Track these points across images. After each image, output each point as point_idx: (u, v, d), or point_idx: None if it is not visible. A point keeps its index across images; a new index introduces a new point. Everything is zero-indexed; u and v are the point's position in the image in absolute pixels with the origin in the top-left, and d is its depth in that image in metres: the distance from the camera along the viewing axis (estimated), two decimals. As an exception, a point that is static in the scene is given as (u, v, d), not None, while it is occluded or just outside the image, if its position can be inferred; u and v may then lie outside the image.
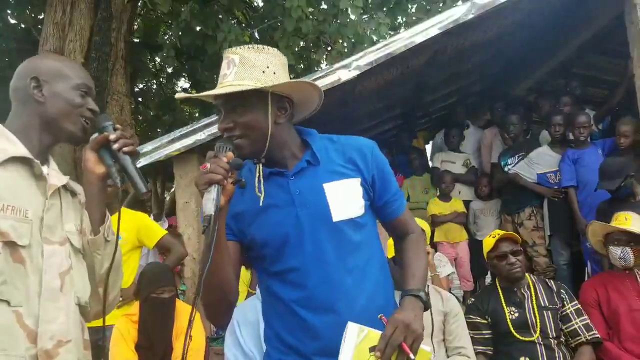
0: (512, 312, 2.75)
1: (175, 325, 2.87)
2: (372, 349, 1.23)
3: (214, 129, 3.74)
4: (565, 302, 2.78)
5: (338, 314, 1.33)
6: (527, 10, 4.14)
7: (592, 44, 5.02)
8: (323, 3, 7.89)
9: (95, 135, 1.40)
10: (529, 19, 4.44)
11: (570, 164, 4.18)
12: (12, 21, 8.41)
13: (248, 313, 2.29)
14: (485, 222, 5.01)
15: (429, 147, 6.77)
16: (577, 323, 2.73)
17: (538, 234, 4.45)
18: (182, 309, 2.98)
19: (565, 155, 4.24)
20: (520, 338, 2.68)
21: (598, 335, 2.72)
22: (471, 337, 2.68)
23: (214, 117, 3.77)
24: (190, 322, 1.22)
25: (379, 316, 1.35)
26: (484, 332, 2.77)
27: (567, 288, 2.91)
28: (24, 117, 1.37)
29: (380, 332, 1.26)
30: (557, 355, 2.65)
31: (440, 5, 7.89)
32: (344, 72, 3.60)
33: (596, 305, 2.92)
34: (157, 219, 5.23)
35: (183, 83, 11.38)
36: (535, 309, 2.73)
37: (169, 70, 10.40)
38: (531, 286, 2.83)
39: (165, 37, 9.24)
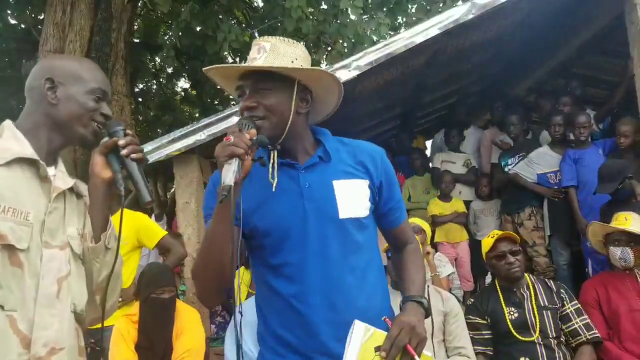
0: (511, 312, 2.75)
1: (176, 326, 2.87)
2: (377, 349, 1.24)
3: (214, 129, 3.74)
4: (565, 302, 2.78)
5: (337, 312, 1.33)
6: (527, 10, 4.15)
7: (592, 44, 5.02)
8: (323, 3, 7.89)
9: (106, 139, 1.39)
10: (529, 19, 4.44)
11: (571, 163, 4.18)
12: (12, 21, 8.41)
13: (248, 313, 2.29)
14: (486, 222, 5.01)
15: (428, 144, 6.77)
16: (577, 323, 2.73)
17: (538, 234, 4.45)
18: (182, 309, 2.99)
19: (565, 155, 4.24)
20: (520, 338, 2.68)
21: (598, 335, 2.71)
22: (471, 337, 2.69)
23: (213, 118, 3.77)
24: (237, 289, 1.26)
25: (382, 318, 1.36)
26: (483, 332, 2.77)
27: (566, 288, 2.90)
28: (36, 117, 1.36)
29: (385, 333, 1.27)
30: (557, 355, 2.64)
31: (441, 5, 7.89)
32: (344, 72, 3.60)
33: (596, 305, 2.92)
34: (158, 219, 5.24)
35: (183, 83, 11.39)
36: (535, 309, 2.73)
37: (169, 70, 10.41)
38: (530, 286, 2.83)
39: (165, 38, 9.25)
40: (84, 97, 1.37)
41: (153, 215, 5.26)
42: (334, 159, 1.42)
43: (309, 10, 6.76)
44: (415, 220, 3.95)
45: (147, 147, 3.91)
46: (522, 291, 2.82)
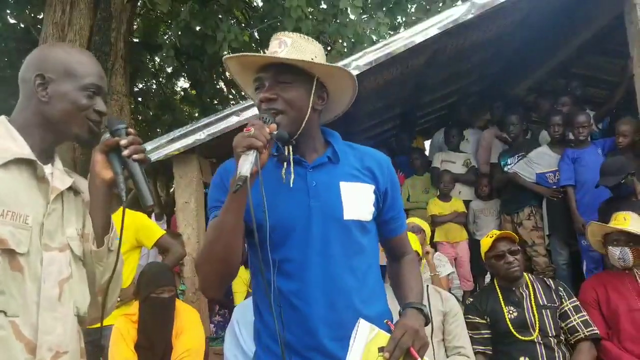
0: (511, 312, 2.75)
1: (175, 325, 2.87)
2: (380, 349, 1.25)
3: (213, 129, 3.74)
4: (563, 300, 2.79)
5: (335, 311, 1.33)
6: (527, 10, 4.15)
7: (592, 44, 5.02)
8: (323, 3, 7.88)
9: (107, 136, 1.34)
10: (529, 19, 4.44)
11: (569, 163, 4.19)
12: (12, 21, 8.41)
13: (248, 313, 2.29)
14: (485, 222, 5.01)
15: (427, 143, 6.77)
16: (575, 320, 2.73)
17: (537, 234, 4.46)
18: (182, 308, 2.99)
19: (564, 155, 4.25)
20: (520, 337, 2.68)
21: (597, 331, 2.72)
22: (470, 337, 2.69)
23: (213, 117, 3.77)
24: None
25: (385, 321, 1.37)
26: (483, 332, 2.77)
27: (565, 286, 2.91)
28: (27, 113, 1.31)
29: (389, 334, 1.28)
30: (556, 354, 2.65)
31: (440, 5, 7.89)
32: (343, 72, 3.60)
33: (596, 305, 2.92)
34: (158, 219, 5.23)
35: (183, 83, 11.39)
36: (534, 308, 2.73)
37: (169, 70, 10.40)
38: (529, 285, 2.84)
39: (165, 37, 9.23)
40: (76, 95, 1.31)
41: (153, 215, 5.26)
42: (342, 161, 1.42)
43: (309, 9, 6.75)
44: (414, 220, 3.95)
45: (147, 146, 3.91)
46: (521, 290, 2.82)
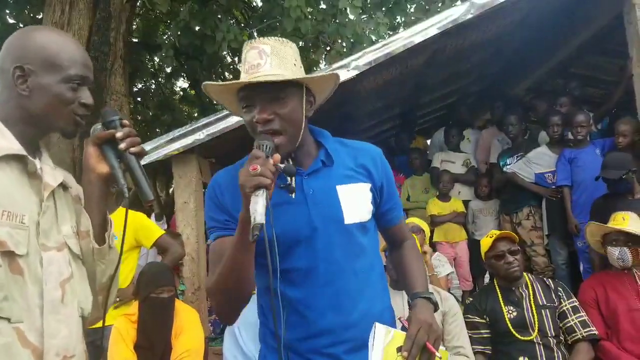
0: (510, 312, 2.75)
1: (175, 325, 2.87)
2: (398, 349, 1.26)
3: (212, 129, 3.74)
4: (562, 300, 2.79)
5: (341, 315, 1.34)
6: (526, 10, 4.15)
7: (591, 44, 5.02)
8: (322, 3, 7.89)
9: (98, 127, 1.26)
10: (528, 19, 4.44)
11: (565, 163, 4.20)
12: (11, 21, 8.40)
13: (247, 314, 2.27)
14: (484, 222, 5.01)
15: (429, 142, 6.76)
16: (573, 320, 2.74)
17: (536, 234, 4.46)
18: (181, 308, 2.99)
19: (561, 155, 4.26)
20: (519, 337, 2.68)
21: (595, 332, 2.72)
22: (470, 336, 2.69)
23: (212, 117, 3.77)
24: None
25: (398, 317, 1.38)
26: (482, 331, 2.77)
27: (564, 286, 2.92)
28: (9, 106, 1.21)
29: (404, 333, 1.29)
30: (555, 354, 2.65)
31: (439, 5, 7.89)
32: (342, 72, 3.60)
33: (595, 305, 2.92)
34: (158, 219, 5.23)
35: (182, 83, 11.39)
36: (534, 308, 2.73)
37: (168, 70, 10.40)
38: (529, 285, 2.84)
39: (164, 37, 9.24)
40: (59, 87, 1.21)
41: (153, 215, 5.26)
42: (337, 162, 1.41)
43: (308, 10, 6.76)
44: (414, 220, 3.96)
45: (146, 146, 3.91)
46: (520, 290, 2.82)
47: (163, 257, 3.43)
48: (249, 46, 1.31)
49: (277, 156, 1.19)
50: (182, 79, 10.88)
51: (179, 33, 7.38)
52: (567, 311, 2.76)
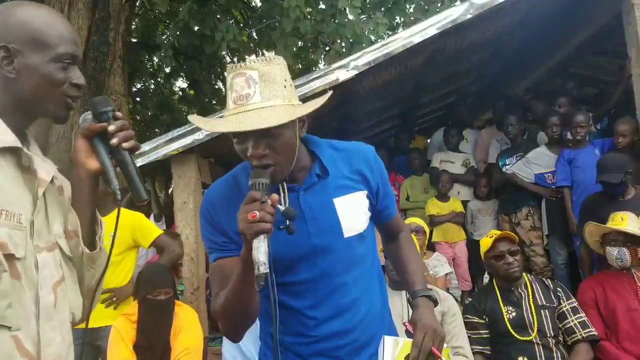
0: (509, 312, 2.75)
1: (174, 325, 2.86)
2: (406, 358, 1.30)
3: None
4: (561, 301, 2.79)
5: (343, 322, 1.36)
6: (526, 10, 4.15)
7: (590, 44, 5.03)
8: (321, 3, 7.88)
9: (88, 117, 1.17)
10: (528, 19, 4.45)
11: (565, 163, 4.20)
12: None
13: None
14: (483, 222, 5.01)
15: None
16: (573, 321, 2.74)
17: (535, 234, 4.46)
18: (180, 309, 2.98)
19: (560, 156, 4.27)
20: (518, 337, 2.68)
21: (594, 333, 2.72)
22: (469, 337, 2.69)
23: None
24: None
25: (402, 322, 1.41)
26: (481, 331, 2.77)
27: (563, 286, 2.92)
28: None
29: (410, 340, 1.32)
30: (555, 354, 2.65)
31: (439, 5, 7.89)
32: (342, 72, 3.61)
33: (594, 305, 2.92)
34: (157, 219, 5.22)
35: (181, 83, 11.39)
36: (533, 308, 2.73)
37: (167, 70, 10.40)
38: (528, 285, 2.84)
39: (163, 37, 9.23)
40: (48, 67, 1.11)
41: (152, 215, 5.25)
42: (332, 172, 1.38)
43: (307, 10, 6.76)
44: (415, 220, 3.97)
45: (145, 146, 3.91)
46: (520, 290, 2.82)
47: (161, 256, 3.43)
48: (235, 71, 1.24)
49: (275, 197, 1.16)
50: (181, 79, 10.89)
51: (178, 33, 7.37)
52: (566, 312, 2.76)
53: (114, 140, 1.13)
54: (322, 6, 7.81)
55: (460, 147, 5.50)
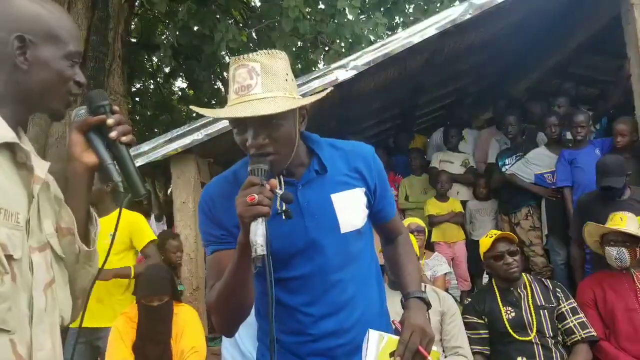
0: (508, 312, 2.75)
1: (176, 326, 2.84)
2: (391, 354, 1.27)
3: (211, 129, 3.74)
4: (561, 301, 2.79)
5: (340, 320, 1.35)
6: (525, 10, 4.15)
7: (590, 44, 5.03)
8: (320, 3, 7.89)
9: (82, 111, 1.15)
10: (527, 19, 4.45)
11: (565, 164, 4.20)
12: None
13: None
14: (482, 222, 5.02)
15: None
16: (572, 321, 2.74)
17: (535, 234, 4.47)
18: (181, 309, 2.97)
19: (560, 156, 4.27)
20: (517, 338, 2.68)
21: (593, 334, 2.72)
22: (468, 337, 2.69)
23: (210, 117, 3.77)
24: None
25: (392, 321, 1.41)
26: (481, 332, 2.78)
27: (562, 287, 2.92)
28: None
29: (397, 337, 1.30)
30: (554, 354, 2.65)
31: (438, 5, 7.90)
32: (341, 72, 3.61)
33: (593, 304, 2.93)
34: (158, 219, 5.22)
35: (180, 83, 11.39)
36: (532, 308, 2.74)
37: (166, 70, 10.41)
38: (527, 285, 2.84)
39: (163, 37, 9.24)
40: (59, 64, 1.09)
41: (153, 216, 5.25)
42: (330, 169, 1.39)
43: (307, 10, 6.76)
44: (415, 221, 3.97)
45: (144, 147, 3.92)
46: (519, 291, 2.82)
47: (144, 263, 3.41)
48: (238, 63, 1.25)
49: (274, 182, 1.17)
50: (180, 79, 10.90)
51: (177, 33, 7.38)
52: (565, 312, 2.76)
53: (113, 134, 1.12)
54: (322, 6, 7.82)
55: (460, 147, 5.50)
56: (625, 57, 3.78)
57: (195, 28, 7.46)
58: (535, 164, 4.49)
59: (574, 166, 4.15)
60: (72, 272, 1.17)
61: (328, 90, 1.34)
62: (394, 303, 1.73)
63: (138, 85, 10.90)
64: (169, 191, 6.22)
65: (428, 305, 1.41)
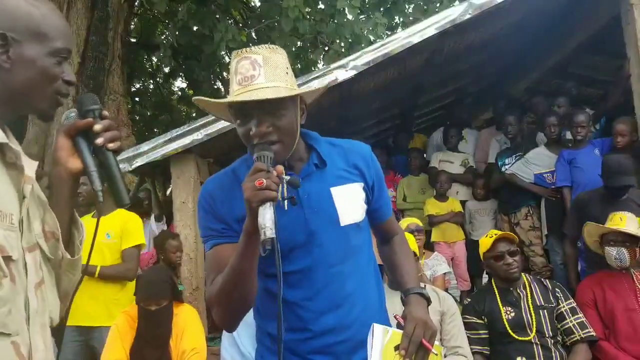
0: (508, 312, 2.75)
1: (177, 326, 2.83)
2: (396, 348, 1.29)
3: (210, 129, 3.74)
4: (560, 301, 2.79)
5: (339, 316, 1.35)
6: (525, 10, 4.15)
7: (589, 44, 5.03)
8: (320, 3, 7.89)
9: (72, 114, 1.12)
10: (526, 19, 4.45)
11: (564, 164, 4.20)
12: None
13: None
14: (481, 222, 5.02)
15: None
16: (571, 321, 2.74)
17: (534, 234, 4.46)
18: (181, 309, 2.96)
19: (560, 156, 4.27)
20: (517, 338, 2.68)
21: (593, 334, 2.73)
22: (468, 337, 2.69)
23: (210, 117, 3.77)
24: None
25: (394, 315, 1.42)
26: (480, 332, 2.78)
27: (562, 287, 2.92)
28: None
29: (401, 331, 1.31)
30: (553, 354, 2.65)
31: (438, 5, 7.90)
32: (341, 72, 3.61)
33: (593, 304, 2.93)
34: (158, 220, 5.21)
35: (180, 83, 11.39)
36: (531, 309, 2.74)
37: (166, 70, 10.41)
38: (527, 285, 2.84)
39: (162, 37, 9.25)
40: (45, 61, 1.05)
41: (152, 216, 5.24)
42: (329, 164, 1.41)
43: (306, 10, 6.77)
44: (415, 221, 3.97)
45: (144, 147, 3.92)
46: (518, 291, 2.82)
47: (119, 265, 3.37)
48: (240, 55, 1.29)
49: (280, 168, 1.18)
50: (180, 79, 10.90)
51: (177, 33, 7.38)
52: (565, 312, 2.76)
53: (99, 140, 1.09)
54: (321, 6, 7.83)
55: (461, 147, 5.51)
56: (625, 57, 3.78)
57: (195, 28, 7.46)
58: (535, 164, 4.49)
59: (573, 166, 4.15)
60: (57, 275, 1.15)
61: (327, 85, 1.38)
62: (393, 303, 1.73)
63: (138, 85, 10.91)
64: (168, 191, 6.22)
65: (428, 300, 1.43)
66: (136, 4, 8.05)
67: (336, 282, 1.36)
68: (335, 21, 7.24)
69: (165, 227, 5.07)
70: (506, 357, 2.69)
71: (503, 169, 4.74)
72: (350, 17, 7.25)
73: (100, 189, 1.09)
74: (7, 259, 0.97)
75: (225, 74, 9.71)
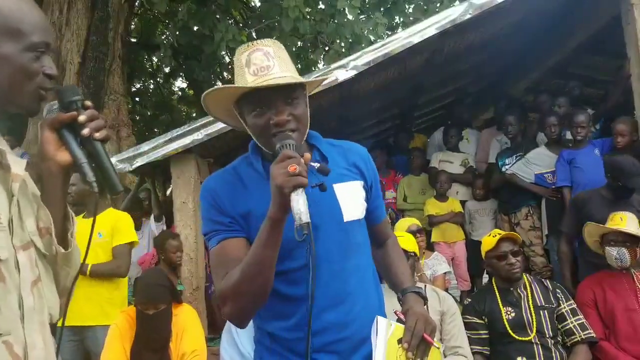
0: (508, 312, 2.75)
1: (177, 326, 2.83)
2: (399, 341, 1.31)
3: (211, 129, 3.74)
4: (560, 302, 2.79)
5: (341, 313, 1.36)
6: (525, 10, 4.15)
7: (589, 44, 5.03)
8: (320, 3, 7.90)
9: (55, 107, 1.14)
10: (527, 19, 4.45)
11: (564, 164, 4.20)
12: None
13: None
14: (481, 222, 5.02)
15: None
16: (572, 322, 2.74)
17: (535, 234, 4.47)
18: (180, 310, 2.96)
19: (560, 156, 4.27)
20: (517, 338, 2.68)
21: (593, 335, 2.73)
22: (468, 337, 2.69)
23: (210, 117, 3.77)
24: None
25: (394, 311, 1.43)
26: (480, 332, 2.78)
27: (562, 287, 2.92)
28: None
29: (402, 325, 1.34)
30: (553, 355, 2.65)
31: (438, 5, 7.91)
32: (341, 72, 3.61)
33: (593, 304, 2.93)
34: (158, 220, 5.21)
35: (180, 83, 11.40)
36: (532, 309, 2.74)
37: (166, 70, 10.41)
38: (527, 286, 2.84)
39: (163, 37, 9.25)
40: (21, 57, 1.03)
41: (152, 216, 5.24)
42: (330, 162, 1.42)
43: (307, 10, 6.77)
44: (414, 222, 3.97)
45: (144, 147, 3.92)
46: (519, 291, 2.82)
47: (110, 262, 3.38)
48: (252, 47, 1.31)
49: (308, 155, 1.19)
50: (180, 79, 10.91)
51: (177, 33, 7.39)
52: (565, 313, 2.76)
53: (85, 131, 1.07)
54: (322, 6, 7.83)
55: (461, 147, 5.50)
56: (625, 57, 3.77)
57: (195, 28, 7.46)
58: (536, 164, 4.49)
59: (573, 166, 4.15)
60: (54, 271, 1.15)
61: (331, 77, 1.42)
62: (392, 304, 1.73)
63: (138, 85, 10.92)
64: (168, 191, 6.22)
65: (425, 299, 1.45)
66: (136, 4, 8.06)
67: (338, 279, 1.36)
68: (336, 21, 7.24)
69: (164, 227, 5.07)
70: (506, 357, 2.69)
71: (503, 169, 4.74)
72: (350, 17, 7.25)
73: (94, 180, 1.08)
74: None
75: (225, 74, 9.71)
